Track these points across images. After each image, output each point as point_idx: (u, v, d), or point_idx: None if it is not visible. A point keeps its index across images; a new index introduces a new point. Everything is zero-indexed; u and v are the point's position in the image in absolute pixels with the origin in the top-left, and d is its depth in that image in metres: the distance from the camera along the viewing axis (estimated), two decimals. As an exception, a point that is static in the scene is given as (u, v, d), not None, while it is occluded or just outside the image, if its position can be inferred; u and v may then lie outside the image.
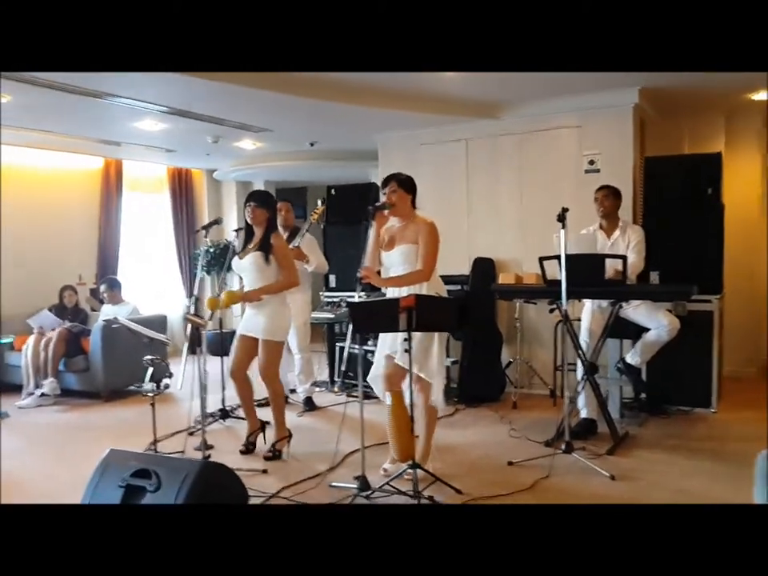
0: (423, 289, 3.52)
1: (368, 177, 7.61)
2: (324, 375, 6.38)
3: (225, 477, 2.90)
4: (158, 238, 8.42)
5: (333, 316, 6.10)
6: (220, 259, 7.50)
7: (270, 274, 4.10)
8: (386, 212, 3.66)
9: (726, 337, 5.60)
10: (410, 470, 3.35)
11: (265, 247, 4.09)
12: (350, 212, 6.39)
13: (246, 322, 4.19)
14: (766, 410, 5.03)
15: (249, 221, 4.17)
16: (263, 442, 4.32)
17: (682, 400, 5.00)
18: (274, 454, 4.15)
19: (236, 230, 4.43)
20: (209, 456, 3.92)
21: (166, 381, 5.87)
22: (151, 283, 8.30)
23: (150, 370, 3.97)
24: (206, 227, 4.29)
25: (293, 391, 5.71)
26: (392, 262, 3.65)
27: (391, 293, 3.64)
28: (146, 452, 4.04)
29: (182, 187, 8.48)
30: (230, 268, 4.27)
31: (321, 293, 6.57)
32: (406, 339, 3.22)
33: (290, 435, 4.28)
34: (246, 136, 6.46)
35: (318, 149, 7.21)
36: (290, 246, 5.22)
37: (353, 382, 5.67)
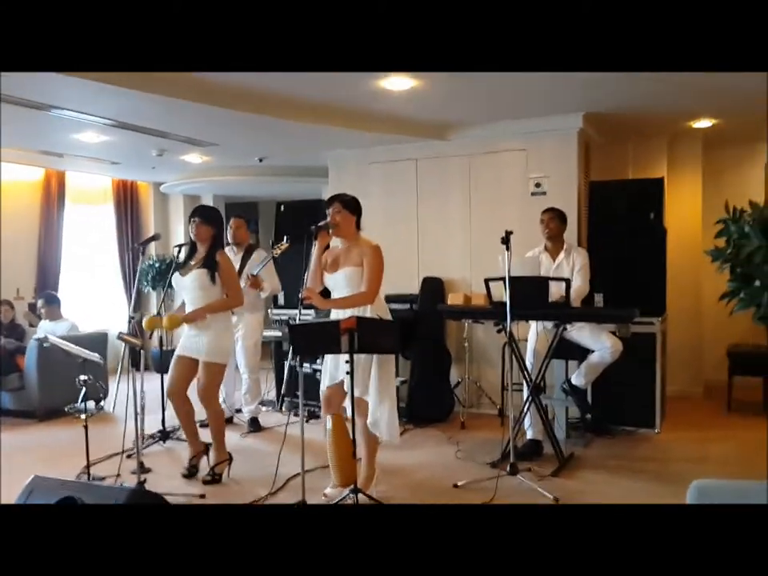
0: (367, 312, 3.49)
1: (320, 193, 7.55)
2: (271, 394, 6.26)
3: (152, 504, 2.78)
4: (102, 252, 8.17)
5: (281, 334, 6.00)
6: (165, 275, 7.32)
7: (213, 293, 3.98)
8: (329, 232, 3.61)
9: (671, 357, 5.71)
10: (351, 495, 3.28)
11: (210, 265, 3.96)
12: (299, 229, 6.28)
13: (187, 341, 4.04)
14: (707, 430, 5.16)
15: (192, 237, 4.05)
16: (208, 465, 4.17)
17: (627, 420, 5.05)
18: (213, 478, 4.02)
19: (178, 246, 4.30)
20: (144, 480, 3.77)
21: (101, 402, 5.71)
22: (94, 298, 8.04)
23: (84, 390, 3.81)
24: (144, 243, 4.15)
25: (238, 411, 5.58)
26: (336, 284, 3.60)
27: (334, 315, 3.58)
28: (77, 478, 3.89)
29: (127, 200, 8.25)
30: (171, 285, 4.15)
31: (269, 310, 6.46)
32: (347, 362, 3.16)
33: (231, 458, 4.15)
34: (192, 150, 6.34)
35: (268, 164, 7.13)
36: (249, 274, 5.12)
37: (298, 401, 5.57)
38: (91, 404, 4.58)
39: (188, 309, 4.04)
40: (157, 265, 7.76)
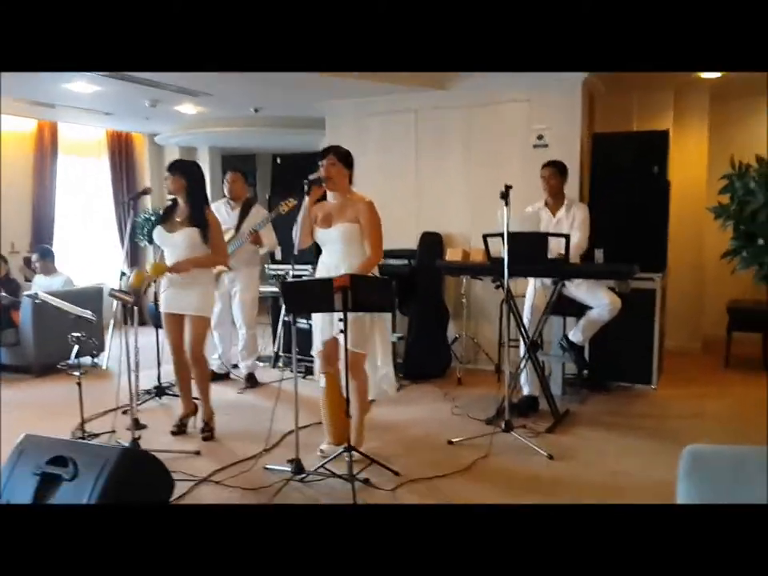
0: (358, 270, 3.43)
1: (317, 146, 7.39)
2: (269, 350, 6.24)
3: (146, 464, 2.76)
4: (98, 204, 8.07)
5: (278, 289, 5.94)
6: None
7: (202, 252, 3.91)
8: (322, 185, 3.52)
9: (671, 312, 5.67)
10: (345, 453, 3.27)
11: (201, 224, 3.87)
12: (297, 182, 6.18)
13: (172, 300, 3.98)
14: (704, 386, 5.14)
15: (169, 192, 3.97)
16: (194, 425, 4.20)
17: (624, 376, 5.04)
18: (211, 432, 4.05)
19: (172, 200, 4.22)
20: (139, 437, 3.78)
21: (96, 358, 5.69)
22: (90, 251, 7.98)
23: (77, 347, 3.79)
24: (134, 198, 4.06)
25: (235, 366, 5.56)
26: (330, 240, 3.53)
27: (326, 272, 3.51)
28: (72, 434, 3.90)
29: (121, 151, 8.11)
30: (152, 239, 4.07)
31: (266, 265, 6.40)
32: (341, 320, 3.11)
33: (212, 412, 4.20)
34: (186, 100, 6.18)
35: (265, 115, 6.97)
36: (251, 230, 5.03)
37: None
38: (87, 359, 4.57)
39: (170, 263, 3.94)
40: (153, 218, 7.67)
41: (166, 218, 4.00)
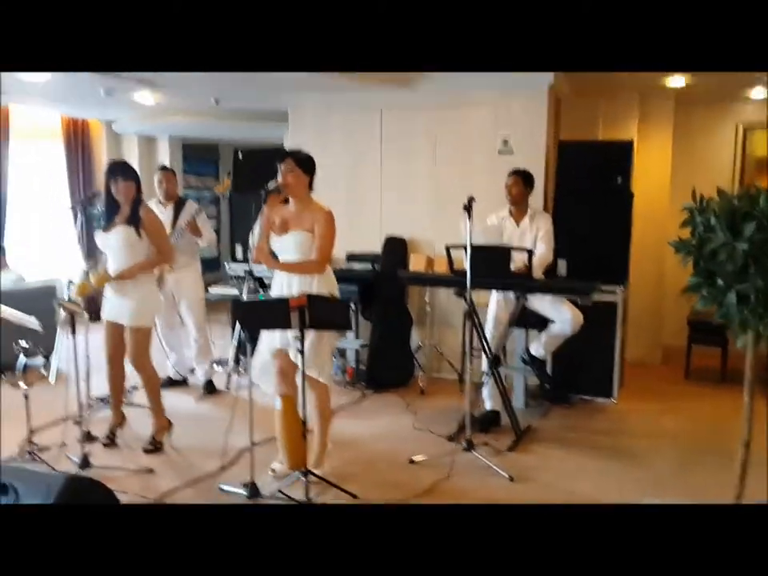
0: (314, 284, 3.35)
1: (281, 138, 7.22)
2: (228, 353, 6.07)
3: (92, 491, 2.65)
4: (53, 194, 7.75)
5: (238, 292, 5.78)
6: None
7: (140, 251, 3.80)
8: (280, 192, 3.41)
9: (632, 323, 5.67)
10: (301, 477, 3.18)
11: (134, 221, 3.75)
12: (259, 178, 6.01)
13: (111, 307, 3.86)
14: (664, 400, 5.17)
15: (116, 196, 3.77)
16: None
17: (585, 389, 5.02)
18: (156, 447, 3.94)
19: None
20: (89, 453, 3.64)
21: (49, 359, 5.47)
22: (45, 243, 7.66)
23: (22, 356, 3.63)
24: (84, 202, 3.92)
25: (193, 371, 5.40)
26: (284, 248, 3.42)
27: (279, 289, 3.42)
28: (20, 448, 3.75)
29: (77, 139, 7.80)
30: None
31: (226, 264, 6.25)
32: (297, 338, 3.02)
33: (170, 424, 4.07)
34: (143, 89, 5.93)
35: (227, 107, 6.75)
36: (187, 220, 4.88)
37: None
38: (39, 361, 4.41)
39: (112, 268, 3.83)
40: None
41: (108, 221, 3.82)
